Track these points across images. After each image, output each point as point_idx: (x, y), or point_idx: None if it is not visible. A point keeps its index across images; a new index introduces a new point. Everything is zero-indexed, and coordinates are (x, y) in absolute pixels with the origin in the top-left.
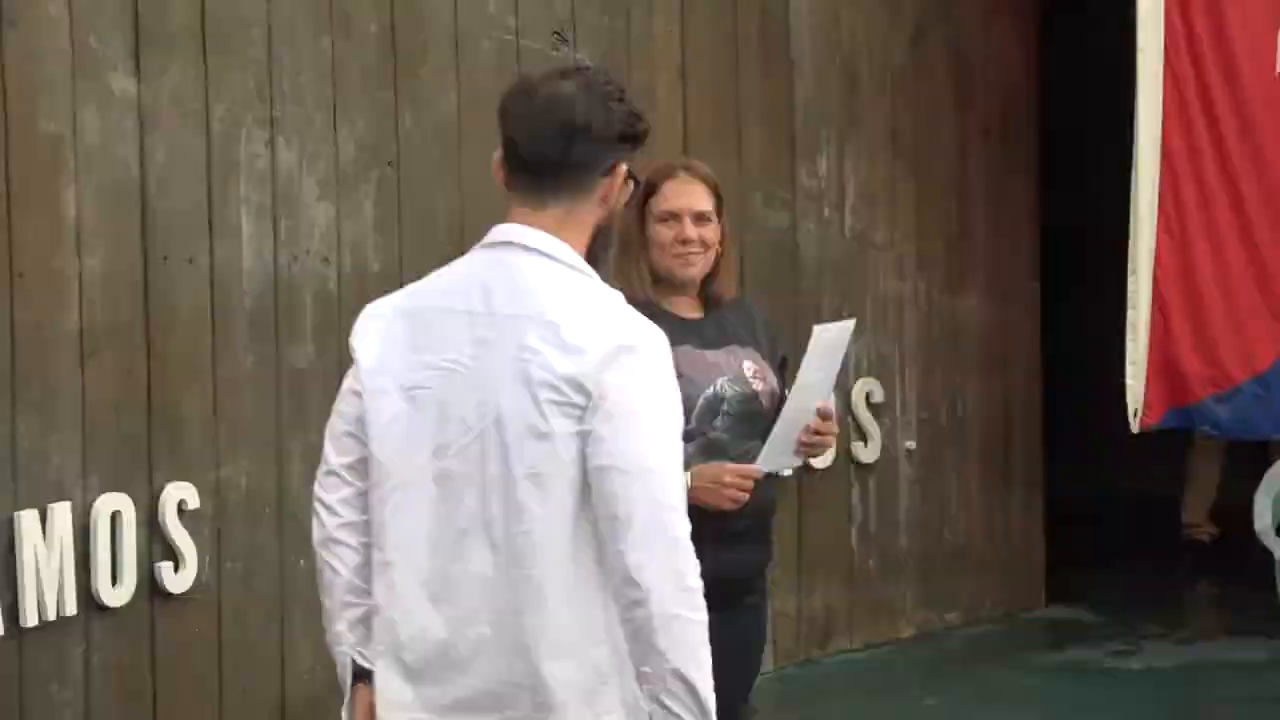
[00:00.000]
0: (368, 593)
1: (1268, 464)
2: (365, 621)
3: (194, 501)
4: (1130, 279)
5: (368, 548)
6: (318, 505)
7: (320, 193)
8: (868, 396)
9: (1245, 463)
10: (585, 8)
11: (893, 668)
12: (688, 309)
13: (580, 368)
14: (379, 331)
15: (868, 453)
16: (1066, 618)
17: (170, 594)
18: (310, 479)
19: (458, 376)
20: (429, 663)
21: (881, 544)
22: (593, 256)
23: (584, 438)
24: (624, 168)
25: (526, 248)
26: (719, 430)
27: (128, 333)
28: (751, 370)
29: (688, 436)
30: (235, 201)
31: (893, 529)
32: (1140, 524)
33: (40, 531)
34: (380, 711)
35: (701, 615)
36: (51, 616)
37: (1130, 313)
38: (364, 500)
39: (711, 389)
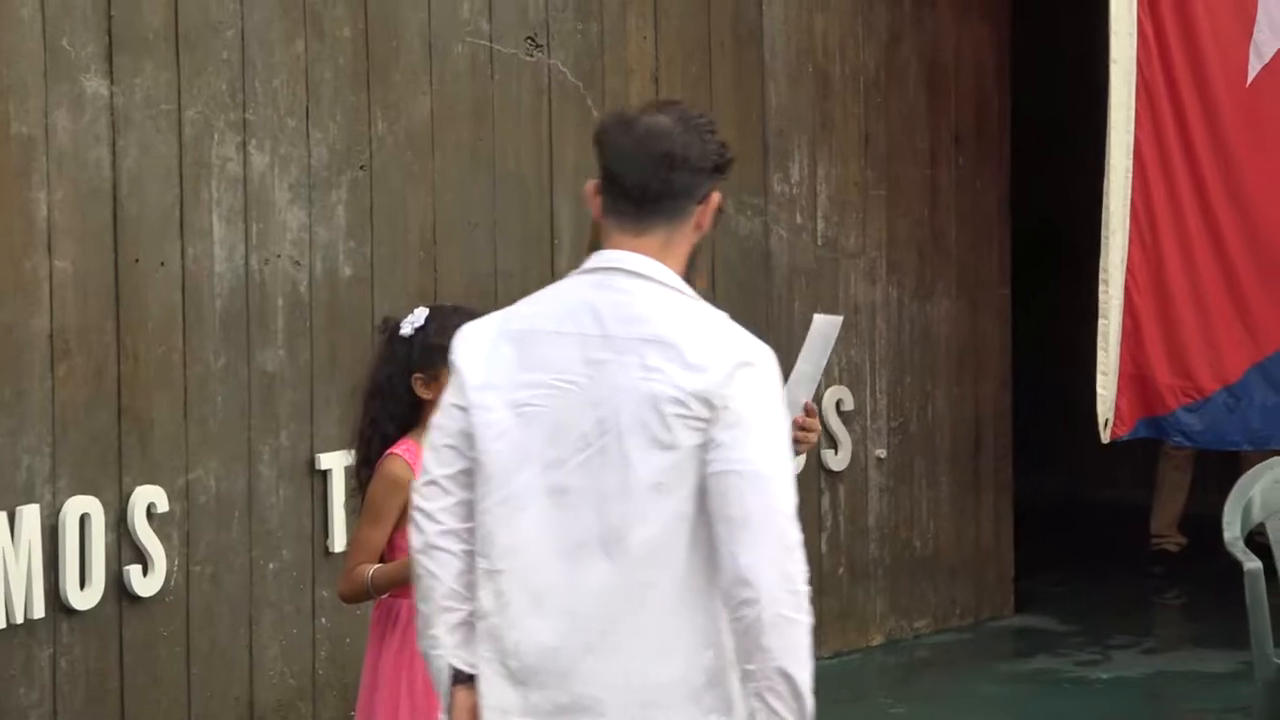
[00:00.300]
0: (467, 599)
1: (1237, 475)
2: (463, 626)
3: (163, 504)
4: (1102, 288)
5: (469, 555)
6: (418, 514)
7: (292, 196)
8: (838, 404)
9: (1215, 473)
10: (559, 12)
11: (862, 676)
12: None
13: (705, 384)
14: (484, 351)
15: (838, 460)
16: (1035, 626)
17: (139, 597)
18: (280, 483)
19: (573, 394)
20: (535, 669)
21: (851, 552)
22: (687, 280)
23: (705, 448)
24: (718, 196)
25: (632, 273)
26: None
27: (98, 335)
28: None
29: None
30: (207, 204)
31: (862, 537)
32: (1109, 533)
33: (9, 533)
34: (486, 716)
35: (808, 618)
36: (19, 619)
37: (1101, 322)
38: (465, 509)
39: None
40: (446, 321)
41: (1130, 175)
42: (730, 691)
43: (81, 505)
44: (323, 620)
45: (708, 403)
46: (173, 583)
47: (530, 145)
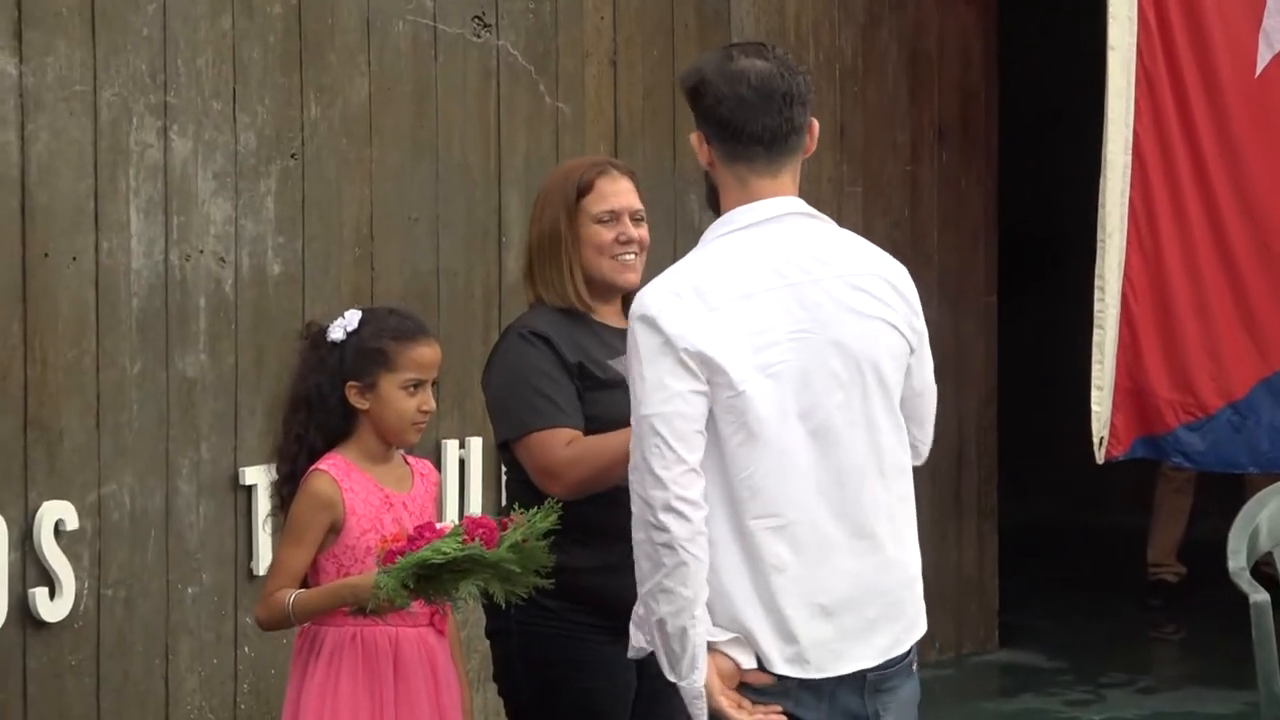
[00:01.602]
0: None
1: (1242, 499)
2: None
3: (72, 522)
4: (1097, 296)
5: None
6: (680, 504)
7: (217, 186)
8: None
9: (1217, 498)
10: None
11: None
12: (615, 319)
13: (911, 311)
14: (703, 328)
15: None
16: (1020, 662)
17: (44, 622)
18: (200, 499)
19: (810, 341)
20: (845, 597)
21: None
22: None
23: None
24: (815, 121)
25: (804, 214)
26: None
27: (2, 337)
28: None
29: None
30: (123, 194)
31: None
32: (1102, 561)
33: None
34: (811, 656)
35: None
36: None
37: (1097, 333)
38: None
39: None
40: (382, 325)
41: (1129, 173)
42: None
43: None
44: (246, 649)
45: (913, 327)
46: (82, 607)
47: (477, 133)
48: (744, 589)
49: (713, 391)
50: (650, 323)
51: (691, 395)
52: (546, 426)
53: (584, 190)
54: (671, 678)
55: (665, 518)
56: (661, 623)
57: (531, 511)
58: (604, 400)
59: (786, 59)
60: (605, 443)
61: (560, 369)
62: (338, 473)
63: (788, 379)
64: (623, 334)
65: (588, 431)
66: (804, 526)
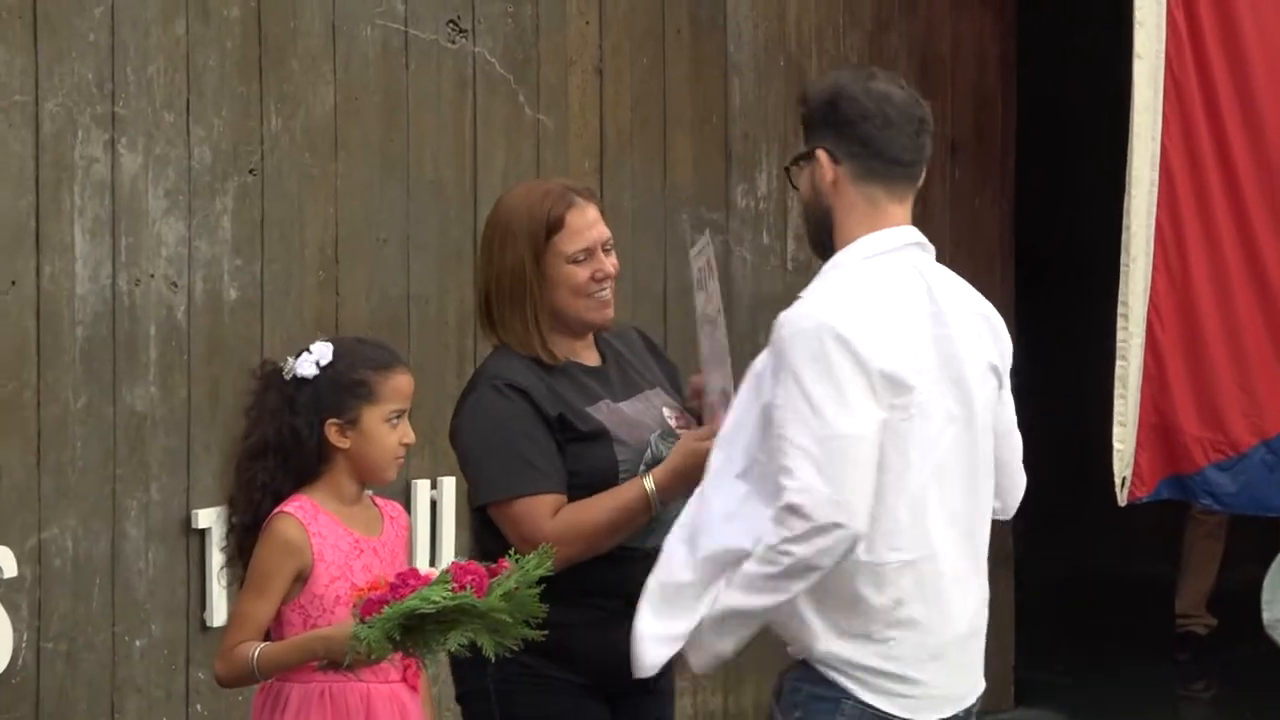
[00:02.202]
0: None
1: (1278, 546)
2: None
3: (10, 568)
4: (1120, 323)
5: None
6: (846, 533)
7: (169, 205)
8: None
9: (1250, 543)
10: None
11: None
12: (587, 355)
13: (1003, 351)
14: (893, 354)
15: None
16: None
17: None
18: (150, 544)
19: (932, 375)
20: (959, 634)
21: None
22: None
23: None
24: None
25: (924, 246)
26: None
27: None
28: (673, 416)
29: None
30: (68, 214)
31: None
32: (1126, 612)
33: None
34: (920, 694)
35: None
36: None
37: (1120, 364)
38: None
39: (649, 452)
40: (356, 357)
41: (1155, 190)
42: None
43: None
44: (198, 707)
45: (1003, 370)
46: (20, 661)
47: (451, 146)
48: (858, 621)
49: (887, 416)
50: (845, 342)
51: (878, 422)
52: (528, 493)
53: (554, 227)
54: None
55: (827, 541)
56: (745, 614)
57: (526, 558)
58: (585, 454)
59: (913, 89)
60: (592, 515)
61: (540, 425)
62: (304, 516)
63: (938, 416)
64: (598, 373)
65: (569, 487)
66: (928, 563)
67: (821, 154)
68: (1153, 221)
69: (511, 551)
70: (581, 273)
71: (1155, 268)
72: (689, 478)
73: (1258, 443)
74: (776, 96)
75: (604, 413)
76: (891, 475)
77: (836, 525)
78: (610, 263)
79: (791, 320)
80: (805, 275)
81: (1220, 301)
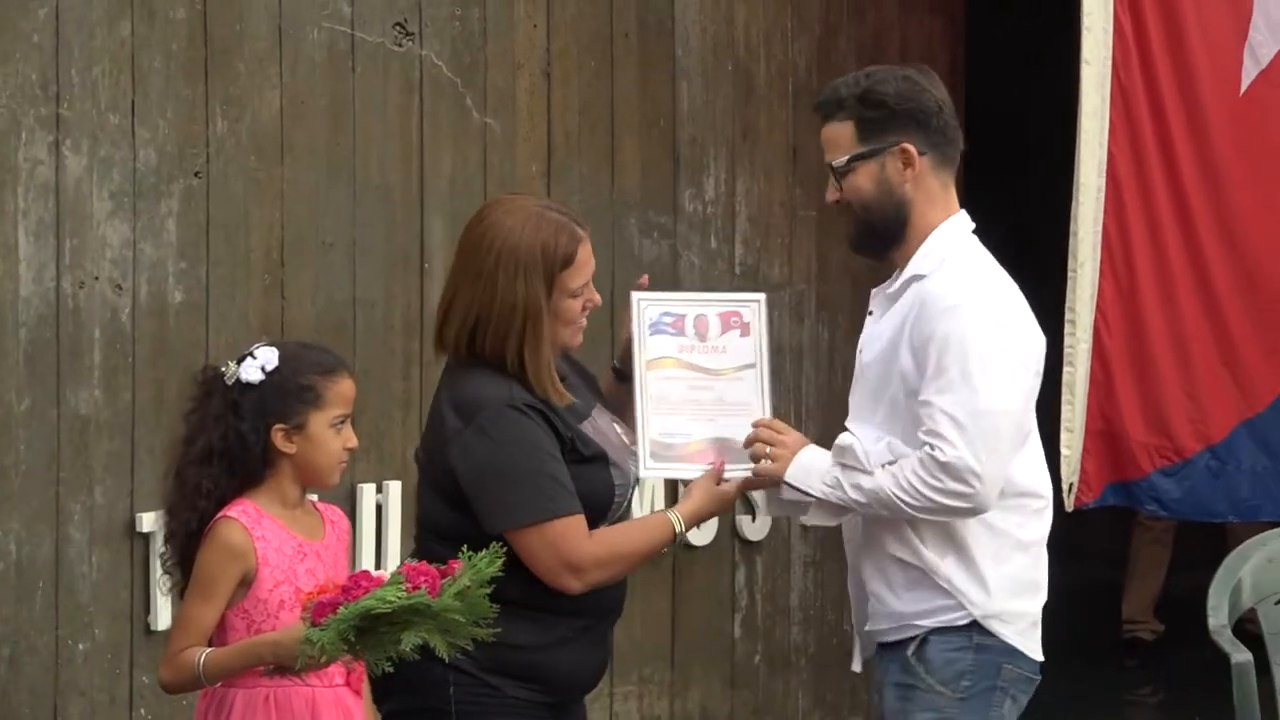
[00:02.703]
0: None
1: (1224, 551)
2: None
3: None
4: (1068, 329)
5: None
6: (994, 492)
7: (114, 207)
8: None
9: (1198, 549)
10: None
11: None
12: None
13: None
14: (1031, 331)
15: (755, 528)
16: None
17: None
18: (93, 548)
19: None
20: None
21: (770, 637)
22: None
23: None
24: None
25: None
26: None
27: None
28: (624, 433)
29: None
30: (11, 216)
31: (783, 619)
32: (1073, 617)
33: None
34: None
35: None
36: None
37: (1067, 370)
38: None
39: (631, 475)
40: (302, 362)
41: (1103, 196)
42: None
43: None
44: (142, 711)
45: None
46: None
47: (398, 150)
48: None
49: (1033, 384)
50: (1006, 322)
51: (1025, 392)
52: (567, 513)
53: (566, 263)
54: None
55: (958, 504)
56: (902, 504)
57: (477, 556)
58: (586, 476)
59: None
60: (631, 541)
61: (558, 446)
62: (248, 520)
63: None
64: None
65: (586, 507)
66: (1047, 504)
67: (909, 147)
68: (1099, 228)
69: (463, 549)
70: (575, 305)
71: (1102, 274)
72: (706, 518)
73: (1202, 449)
74: (724, 101)
75: (590, 431)
76: (1029, 435)
77: (972, 492)
78: (595, 293)
79: (945, 295)
80: (752, 281)
81: (1166, 308)
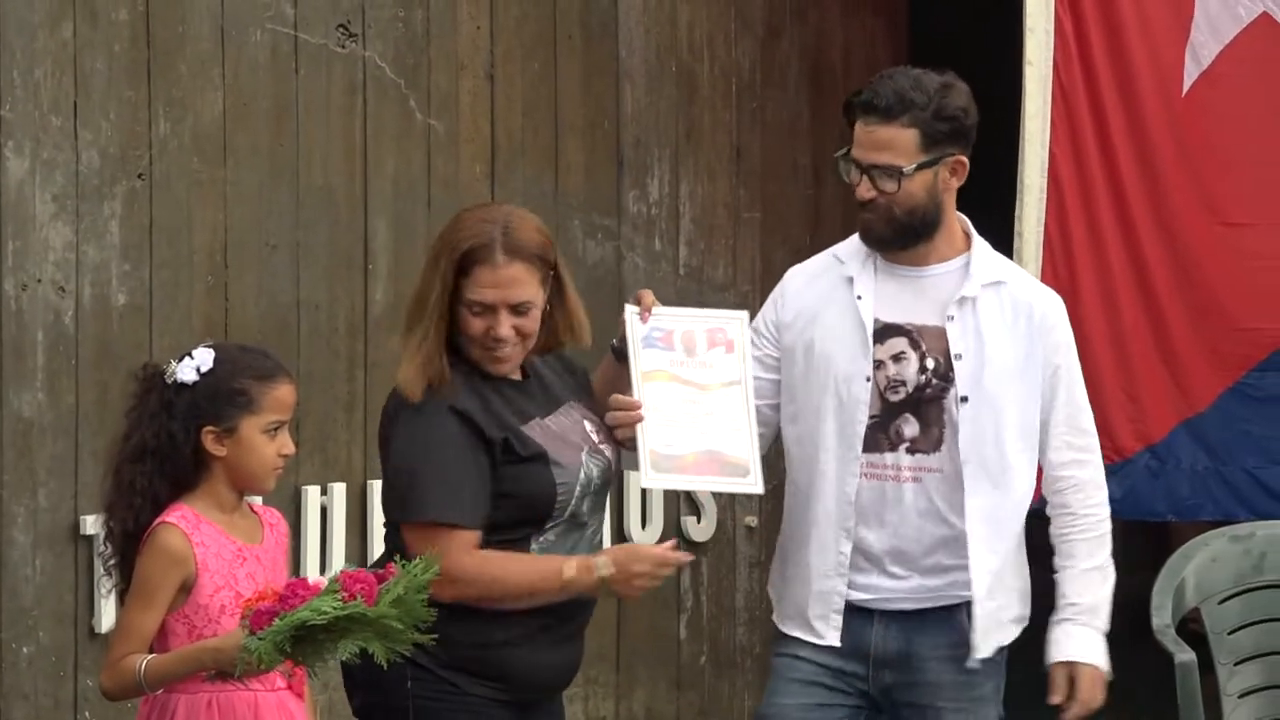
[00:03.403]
0: None
1: (1168, 551)
2: None
3: None
4: None
5: None
6: None
7: (56, 209)
8: None
9: (1141, 549)
10: None
11: None
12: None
13: None
14: None
15: (700, 529)
16: None
17: None
18: (37, 551)
19: None
20: None
21: (715, 638)
22: None
23: None
24: None
25: None
26: (584, 513)
27: None
28: (595, 431)
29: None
30: None
31: (729, 619)
32: None
33: None
34: None
35: None
36: None
37: None
38: None
39: (583, 472)
40: (238, 364)
41: (1045, 198)
42: None
43: None
44: (86, 714)
45: None
46: None
47: (341, 152)
48: None
49: None
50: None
51: None
52: (454, 523)
53: (461, 270)
54: None
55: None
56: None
57: (412, 563)
58: (525, 476)
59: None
60: (511, 572)
61: (481, 451)
62: (187, 526)
63: None
64: (523, 387)
65: (502, 506)
66: None
67: (964, 160)
68: (1042, 228)
69: (397, 557)
70: (477, 324)
71: (1043, 275)
72: (603, 592)
73: (1142, 448)
74: (668, 102)
75: (538, 432)
76: None
77: None
78: (508, 328)
79: (1056, 300)
80: (696, 282)
81: (1106, 308)
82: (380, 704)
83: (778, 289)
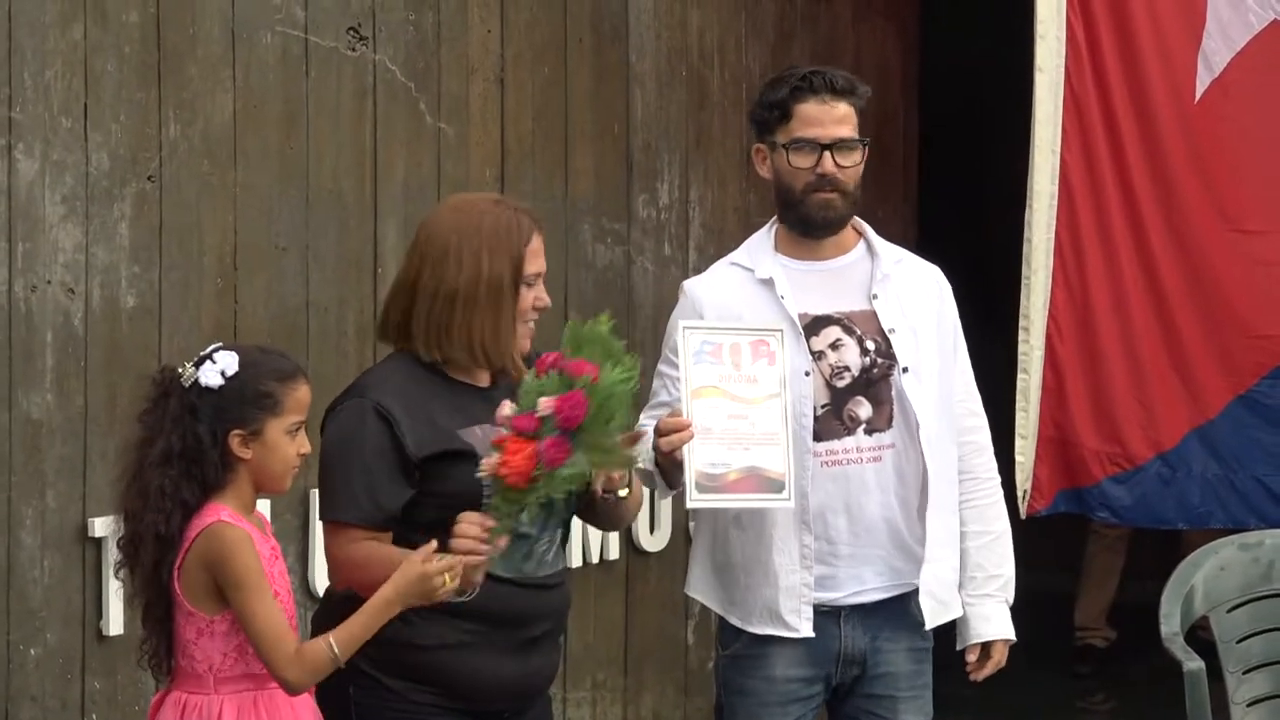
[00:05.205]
0: None
1: (1177, 559)
2: None
3: None
4: (1021, 336)
5: None
6: None
7: (66, 211)
8: None
9: (1151, 557)
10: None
11: None
12: (478, 375)
13: None
14: None
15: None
16: None
17: None
18: (45, 553)
19: None
20: None
21: None
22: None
23: None
24: (757, 147)
25: None
26: (524, 523)
27: None
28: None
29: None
30: None
31: None
32: (1026, 624)
33: None
34: None
35: None
36: None
37: (1021, 377)
38: None
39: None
40: (261, 368)
41: (1055, 204)
42: None
43: None
44: (94, 717)
45: None
46: None
47: (351, 155)
48: None
49: None
50: None
51: None
52: (344, 520)
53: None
54: None
55: None
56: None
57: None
58: (449, 474)
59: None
60: (370, 563)
61: (394, 454)
62: (236, 523)
63: None
64: (485, 394)
65: (428, 504)
66: None
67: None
68: (1053, 235)
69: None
70: (529, 295)
71: (1055, 281)
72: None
73: (1153, 456)
74: (678, 107)
75: (475, 435)
76: None
77: None
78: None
79: (940, 271)
80: None
81: (1118, 315)
82: (325, 709)
83: (678, 310)
